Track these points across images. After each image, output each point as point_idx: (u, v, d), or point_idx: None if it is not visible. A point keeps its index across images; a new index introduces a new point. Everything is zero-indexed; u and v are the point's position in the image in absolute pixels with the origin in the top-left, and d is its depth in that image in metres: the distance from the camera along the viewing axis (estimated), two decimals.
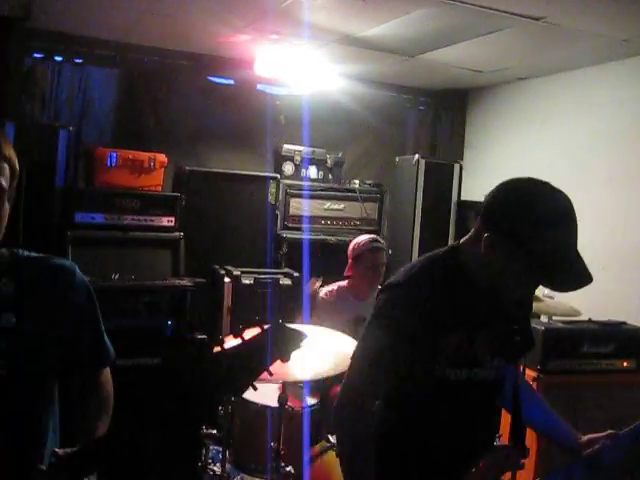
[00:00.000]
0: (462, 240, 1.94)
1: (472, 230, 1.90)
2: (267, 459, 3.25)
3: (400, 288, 1.87)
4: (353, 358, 1.91)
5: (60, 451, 1.54)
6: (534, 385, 4.18)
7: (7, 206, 1.56)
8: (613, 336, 4.41)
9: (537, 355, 4.27)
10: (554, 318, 4.80)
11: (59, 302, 1.70)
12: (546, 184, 1.85)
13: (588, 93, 5.44)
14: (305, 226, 5.55)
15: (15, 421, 1.58)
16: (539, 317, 5.15)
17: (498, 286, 1.84)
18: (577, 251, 1.78)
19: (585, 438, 2.07)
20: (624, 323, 4.57)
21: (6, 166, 1.55)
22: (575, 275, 1.75)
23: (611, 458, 1.98)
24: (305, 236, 5.46)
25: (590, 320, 4.55)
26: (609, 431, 2.05)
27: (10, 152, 1.57)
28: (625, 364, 4.42)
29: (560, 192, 1.83)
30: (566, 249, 1.75)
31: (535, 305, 4.03)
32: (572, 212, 1.79)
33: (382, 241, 4.18)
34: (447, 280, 1.87)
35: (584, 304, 4.21)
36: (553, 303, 4.61)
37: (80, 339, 1.77)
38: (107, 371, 1.95)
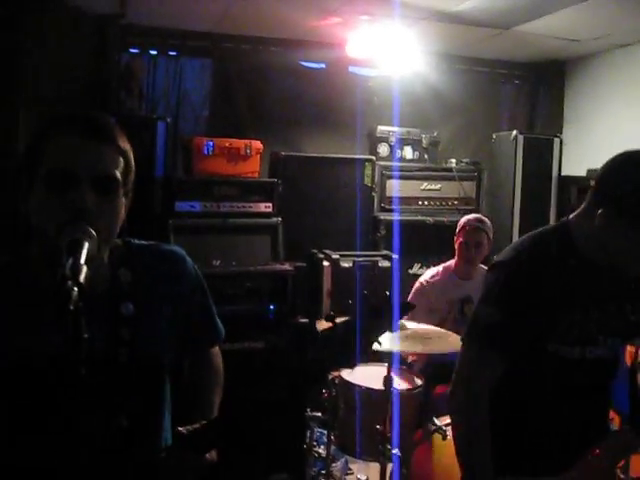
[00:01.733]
0: (572, 216, 1.89)
1: (583, 205, 1.85)
2: (371, 442, 3.25)
3: (509, 266, 1.85)
4: (464, 341, 1.88)
5: (182, 429, 1.60)
6: None
7: (123, 200, 1.59)
8: None
9: None
10: None
11: (173, 286, 1.77)
12: None
13: None
14: (402, 207, 5.51)
15: (136, 405, 1.63)
16: None
17: (616, 262, 1.79)
18: None
19: None
20: None
21: (121, 159, 1.58)
22: None
23: None
24: (402, 217, 5.42)
25: None
26: None
27: (126, 145, 1.61)
28: None
29: None
30: None
31: None
32: None
33: (486, 222, 4.12)
34: (558, 257, 1.82)
35: None
36: None
37: (194, 319, 1.84)
38: (217, 348, 2.05)
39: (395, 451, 3.20)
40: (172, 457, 1.63)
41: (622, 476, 1.94)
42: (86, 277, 1.24)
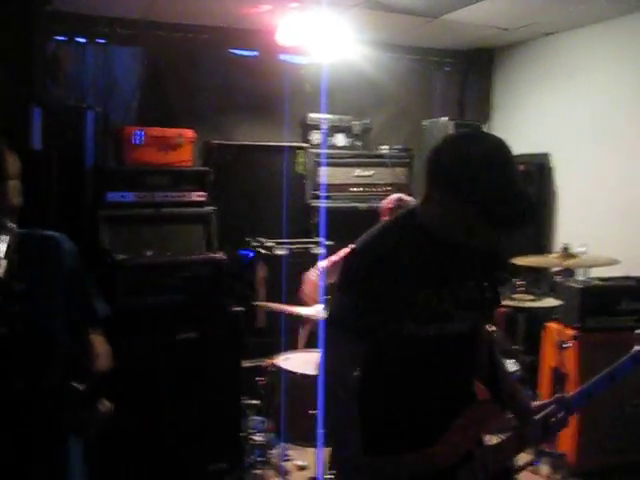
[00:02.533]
0: (419, 202, 1.99)
1: (425, 190, 1.94)
2: (307, 427, 3.28)
3: (360, 252, 1.93)
4: (326, 325, 1.97)
5: (76, 384, 1.96)
6: (574, 344, 4.18)
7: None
8: None
9: (575, 313, 4.26)
10: (592, 275, 4.77)
11: (52, 268, 2.06)
12: (474, 132, 1.94)
13: (620, 44, 5.32)
14: (334, 194, 5.54)
15: (31, 370, 1.94)
16: (573, 274, 5.14)
17: (458, 240, 1.88)
18: (520, 186, 1.81)
19: (535, 404, 2.14)
20: None
21: (15, 183, 1.92)
22: (521, 210, 1.79)
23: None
24: (335, 204, 5.45)
25: (627, 276, 4.51)
26: (557, 395, 2.13)
27: (14, 168, 1.93)
28: None
29: (490, 135, 1.94)
30: (506, 186, 1.78)
31: (572, 261, 4.03)
32: (504, 151, 1.83)
33: (408, 201, 4.11)
34: (406, 240, 1.91)
35: (622, 260, 4.18)
36: (589, 258, 4.58)
37: (72, 301, 2.09)
38: (99, 331, 2.27)
39: None
40: (70, 411, 1.96)
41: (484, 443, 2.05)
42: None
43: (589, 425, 4.08)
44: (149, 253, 4.31)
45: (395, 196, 4.16)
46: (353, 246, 1.97)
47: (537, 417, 2.08)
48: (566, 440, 4.12)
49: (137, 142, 4.90)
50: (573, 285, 4.34)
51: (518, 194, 1.78)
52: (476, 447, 1.97)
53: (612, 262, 4.04)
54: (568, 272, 4.69)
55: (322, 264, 4.19)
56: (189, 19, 5.39)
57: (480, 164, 1.78)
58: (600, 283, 4.43)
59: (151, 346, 3.69)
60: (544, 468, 4.11)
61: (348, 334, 1.87)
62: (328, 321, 1.97)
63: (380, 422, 1.96)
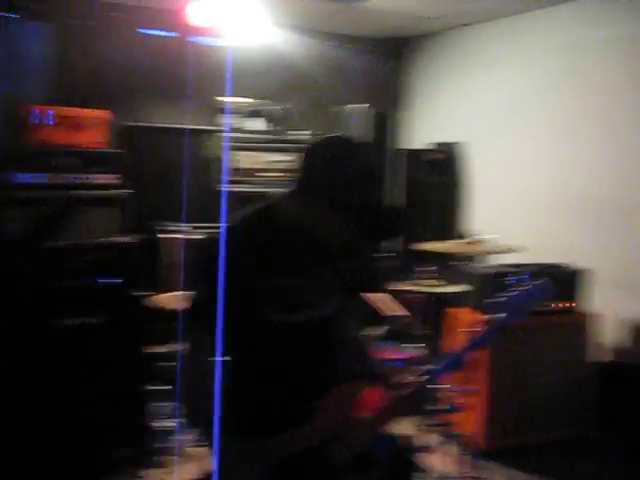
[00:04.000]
0: (277, 196, 2.17)
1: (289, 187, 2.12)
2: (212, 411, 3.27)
3: (215, 244, 1.97)
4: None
5: None
6: (480, 328, 4.27)
7: None
8: (552, 278, 4.50)
9: (482, 298, 4.35)
10: (493, 261, 4.90)
11: None
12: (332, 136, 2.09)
13: (531, 37, 5.47)
14: (249, 179, 5.51)
15: None
16: (483, 261, 5.27)
17: (315, 229, 2.02)
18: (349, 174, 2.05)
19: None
20: (564, 265, 4.68)
21: None
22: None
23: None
24: (249, 189, 5.43)
25: (533, 263, 4.64)
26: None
27: None
28: (565, 305, 4.53)
29: (338, 137, 2.26)
30: (343, 182, 2.02)
31: (481, 248, 4.13)
32: (343, 150, 2.09)
33: None
34: (264, 230, 2.04)
35: (530, 248, 4.30)
36: (498, 245, 4.70)
37: None
38: None
39: None
40: None
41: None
42: None
43: (493, 407, 4.20)
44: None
45: None
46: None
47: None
48: (472, 422, 4.23)
49: (48, 122, 4.77)
50: (481, 271, 4.45)
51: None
52: (345, 423, 2.00)
53: (520, 249, 4.16)
54: (478, 259, 4.80)
55: None
56: None
57: (323, 163, 2.07)
58: (500, 269, 4.55)
59: (55, 331, 3.61)
60: (451, 449, 4.21)
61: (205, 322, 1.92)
62: (190, 313, 2.06)
63: (252, 405, 1.99)
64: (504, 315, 2.20)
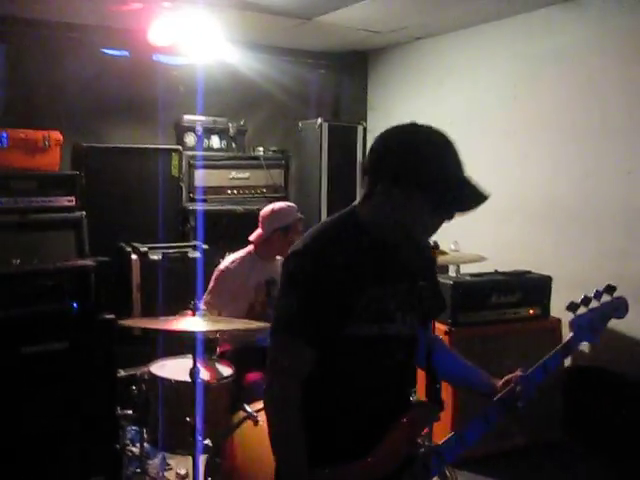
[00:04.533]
0: (356, 202, 1.96)
1: (364, 190, 1.92)
2: (183, 434, 3.22)
3: (300, 255, 1.87)
4: (273, 333, 1.90)
5: None
6: (446, 339, 4.30)
7: None
8: (519, 285, 4.57)
9: (447, 309, 4.38)
10: (462, 270, 4.93)
11: None
12: (415, 123, 1.94)
13: (484, 49, 5.55)
14: (211, 197, 5.47)
15: None
16: (447, 270, 5.30)
17: (396, 240, 1.88)
18: (465, 173, 1.86)
19: (500, 382, 2.13)
20: (528, 272, 4.73)
21: None
22: (470, 194, 1.84)
23: (524, 398, 2.05)
24: (211, 207, 5.39)
25: (496, 271, 4.69)
26: (517, 372, 2.11)
27: None
28: (531, 311, 4.58)
29: (429, 126, 1.92)
30: (454, 173, 1.82)
31: (442, 258, 4.15)
32: (448, 140, 1.88)
33: (283, 209, 4.06)
34: (348, 240, 1.88)
35: (490, 256, 4.34)
36: (459, 255, 4.74)
37: None
38: None
39: (207, 441, 3.19)
40: None
41: (426, 443, 2.05)
42: None
43: (461, 415, 4.20)
44: (16, 261, 4.13)
45: (270, 207, 4.06)
46: (292, 249, 1.91)
47: (495, 399, 2.08)
48: (440, 431, 4.22)
49: (0, 145, 4.68)
50: (444, 281, 4.46)
51: (463, 179, 1.83)
52: (415, 449, 1.93)
53: (480, 259, 4.18)
54: (440, 269, 4.81)
55: (225, 263, 4.04)
56: (58, 16, 5.19)
57: (430, 153, 1.82)
58: (470, 279, 4.59)
59: (18, 358, 3.51)
60: None
61: (299, 339, 1.82)
62: (276, 328, 1.89)
63: (319, 428, 1.89)
64: (588, 331, 2.14)
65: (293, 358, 1.84)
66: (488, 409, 2.07)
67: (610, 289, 2.19)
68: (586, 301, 2.15)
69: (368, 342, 1.88)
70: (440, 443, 2.00)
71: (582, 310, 2.13)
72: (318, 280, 1.82)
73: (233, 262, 4.01)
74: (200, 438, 3.18)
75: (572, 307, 2.15)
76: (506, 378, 2.12)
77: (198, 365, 3.11)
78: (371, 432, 1.88)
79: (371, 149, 1.89)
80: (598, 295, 2.16)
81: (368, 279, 1.88)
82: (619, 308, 2.18)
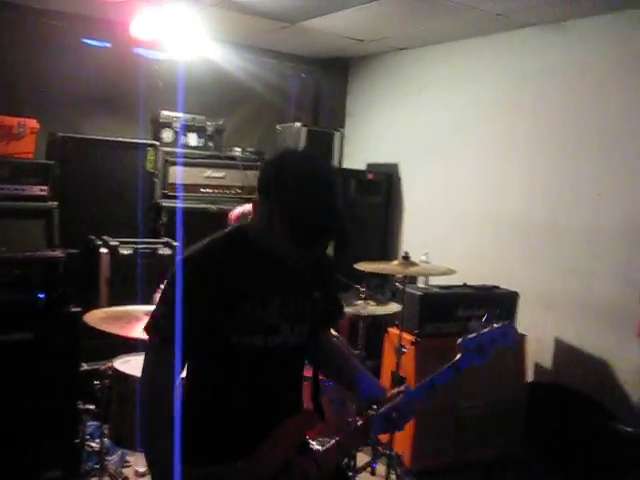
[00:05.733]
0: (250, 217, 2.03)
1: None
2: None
3: (185, 263, 1.92)
4: (147, 333, 1.97)
5: None
6: (412, 348, 4.33)
7: None
8: (487, 300, 4.61)
9: (414, 319, 4.42)
10: (431, 282, 4.97)
11: None
12: (302, 153, 2.01)
13: (465, 64, 5.60)
14: (185, 194, 5.45)
15: None
16: (416, 281, 5.34)
17: (272, 249, 1.93)
18: (335, 210, 1.87)
19: (389, 393, 2.17)
20: (496, 287, 4.78)
21: None
22: (329, 232, 1.87)
23: (404, 411, 2.08)
24: (185, 204, 5.36)
25: (465, 285, 4.73)
26: (402, 387, 2.15)
27: None
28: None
29: (314, 157, 2.00)
30: (317, 207, 1.83)
31: (411, 269, 4.18)
32: (322, 174, 1.91)
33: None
34: (231, 252, 1.95)
35: (460, 269, 4.37)
36: (429, 266, 4.77)
37: None
38: None
39: None
40: None
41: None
42: None
43: (423, 427, 4.24)
44: None
45: (239, 209, 4.06)
46: (182, 255, 1.96)
47: (380, 411, 2.09)
48: (402, 441, 4.26)
49: None
50: (412, 292, 4.50)
51: (322, 213, 1.83)
52: (295, 455, 1.97)
53: (450, 272, 4.22)
54: (410, 279, 4.85)
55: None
56: (40, 3, 5.14)
57: (292, 175, 1.85)
58: (438, 291, 4.63)
59: None
60: (380, 468, 4.24)
61: (168, 344, 1.86)
62: (149, 331, 1.96)
63: (203, 429, 1.96)
64: (476, 354, 2.15)
65: (161, 363, 1.89)
66: (436, 375, 2.13)
67: (496, 316, 2.24)
68: (476, 326, 2.21)
69: (252, 350, 1.94)
70: (322, 450, 2.04)
71: (472, 334, 2.18)
72: (194, 288, 1.86)
73: None
74: None
75: (463, 330, 2.23)
76: (392, 392, 2.16)
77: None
78: (252, 436, 1.93)
79: (259, 172, 2.00)
80: (489, 320, 2.22)
81: (253, 290, 1.94)
82: (507, 334, 2.21)
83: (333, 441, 2.04)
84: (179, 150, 5.54)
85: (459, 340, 2.17)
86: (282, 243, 1.87)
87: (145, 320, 2.05)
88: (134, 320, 3.40)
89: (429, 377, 2.12)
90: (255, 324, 1.92)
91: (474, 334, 2.18)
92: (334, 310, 2.27)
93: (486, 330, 2.18)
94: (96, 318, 3.46)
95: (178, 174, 5.45)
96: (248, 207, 4.09)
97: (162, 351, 1.89)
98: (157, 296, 3.84)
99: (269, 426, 1.94)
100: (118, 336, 3.29)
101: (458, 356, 2.16)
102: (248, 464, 1.88)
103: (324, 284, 2.13)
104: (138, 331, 3.19)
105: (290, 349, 2.02)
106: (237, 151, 5.88)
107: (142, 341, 3.15)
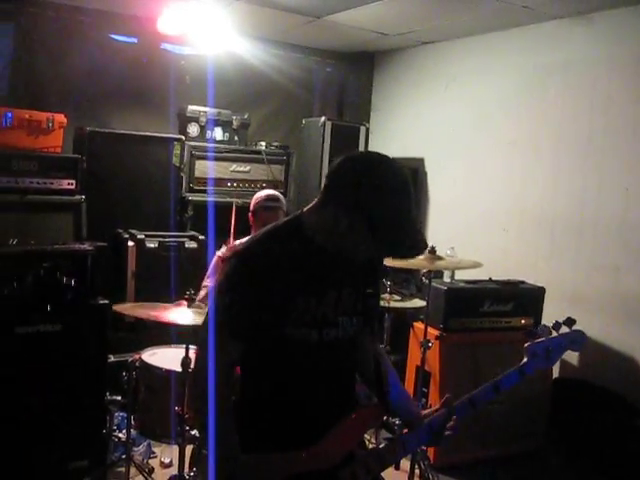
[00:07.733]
0: (305, 209, 1.99)
1: (316, 200, 1.94)
2: (171, 424, 3.24)
3: (242, 256, 1.93)
4: (204, 326, 1.95)
5: None
6: (436, 343, 4.32)
7: None
8: (512, 295, 4.59)
9: (439, 314, 4.40)
10: (457, 277, 4.95)
11: None
12: (384, 156, 1.93)
13: (490, 58, 5.57)
14: (210, 188, 5.48)
15: None
16: (442, 276, 5.32)
17: (344, 250, 1.89)
18: (415, 220, 1.86)
19: (423, 412, 2.16)
20: (522, 282, 4.76)
21: None
22: (411, 243, 1.83)
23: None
24: (210, 199, 5.39)
25: (490, 279, 4.71)
26: (444, 400, 2.15)
27: None
28: (523, 321, 4.60)
29: (398, 163, 1.89)
30: (402, 216, 1.81)
31: (437, 263, 4.17)
32: (408, 182, 1.85)
33: (280, 199, 4.01)
34: (290, 245, 1.92)
35: (485, 264, 4.36)
36: (456, 260, 4.76)
37: None
38: None
39: (194, 432, 3.21)
40: None
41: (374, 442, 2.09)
42: None
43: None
44: (13, 241, 4.13)
45: (265, 194, 4.03)
46: (235, 250, 1.95)
47: (424, 423, 2.10)
48: None
49: (4, 124, 4.68)
50: (438, 286, 4.49)
51: (411, 227, 1.82)
52: (357, 449, 1.98)
53: (476, 265, 4.20)
54: (435, 274, 4.84)
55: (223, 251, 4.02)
56: None
57: (386, 189, 1.79)
58: (463, 285, 4.61)
59: (11, 338, 3.52)
60: (405, 463, 4.23)
61: (227, 335, 1.87)
62: (206, 322, 1.94)
63: (261, 422, 1.96)
64: (542, 359, 2.18)
65: (217, 353, 1.87)
66: (502, 378, 2.15)
67: (570, 322, 2.23)
68: (545, 330, 2.21)
69: (307, 346, 1.92)
70: (380, 447, 2.07)
71: (540, 338, 2.18)
72: (254, 281, 1.86)
73: (227, 250, 4.00)
74: (188, 428, 3.21)
75: (530, 334, 2.22)
76: (427, 412, 2.16)
77: (190, 355, 3.13)
78: (311, 430, 1.92)
79: (337, 167, 1.89)
80: (557, 326, 2.20)
81: (308, 284, 1.92)
82: (576, 341, 2.21)
83: (395, 439, 2.03)
84: (205, 144, 5.58)
85: (526, 344, 2.18)
86: (356, 245, 1.85)
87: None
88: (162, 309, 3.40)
89: (493, 380, 2.14)
90: (311, 318, 1.91)
91: (542, 339, 2.17)
92: (376, 307, 2.23)
93: (555, 336, 2.18)
94: (126, 307, 3.50)
95: (204, 168, 5.48)
96: (262, 194, 4.06)
97: (220, 343, 1.87)
98: (204, 290, 3.89)
99: (325, 421, 1.94)
100: (149, 321, 3.30)
101: (524, 360, 2.16)
102: (306, 455, 1.89)
103: (376, 283, 2.13)
104: (170, 317, 3.21)
105: (345, 342, 2.00)
106: (262, 145, 5.90)
107: (175, 326, 3.19)
